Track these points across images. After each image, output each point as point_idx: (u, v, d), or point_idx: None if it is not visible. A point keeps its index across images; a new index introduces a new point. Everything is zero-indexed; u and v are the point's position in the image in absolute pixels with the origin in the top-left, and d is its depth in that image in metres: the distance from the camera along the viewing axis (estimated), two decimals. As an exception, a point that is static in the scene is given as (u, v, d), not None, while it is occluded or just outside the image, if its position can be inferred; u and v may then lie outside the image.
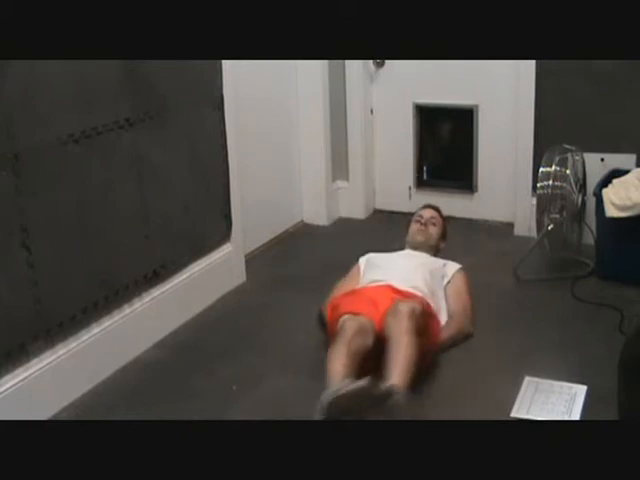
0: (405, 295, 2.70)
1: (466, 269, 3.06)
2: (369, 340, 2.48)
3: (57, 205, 2.44)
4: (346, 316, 2.56)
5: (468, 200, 4.11)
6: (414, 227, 3.18)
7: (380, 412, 2.17)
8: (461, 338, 2.80)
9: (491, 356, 2.73)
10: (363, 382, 2.20)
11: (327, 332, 2.74)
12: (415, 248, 3.12)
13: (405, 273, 2.86)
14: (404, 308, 2.49)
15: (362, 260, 3.09)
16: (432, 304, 2.78)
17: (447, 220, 3.30)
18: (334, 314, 2.67)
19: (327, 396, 2.19)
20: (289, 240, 3.98)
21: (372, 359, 2.45)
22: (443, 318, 2.86)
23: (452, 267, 3.03)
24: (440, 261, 3.06)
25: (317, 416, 2.19)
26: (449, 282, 2.98)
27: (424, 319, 2.54)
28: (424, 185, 4.22)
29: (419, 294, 2.76)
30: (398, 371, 2.31)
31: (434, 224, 3.18)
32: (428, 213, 3.21)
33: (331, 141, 4.09)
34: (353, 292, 2.82)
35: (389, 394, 2.20)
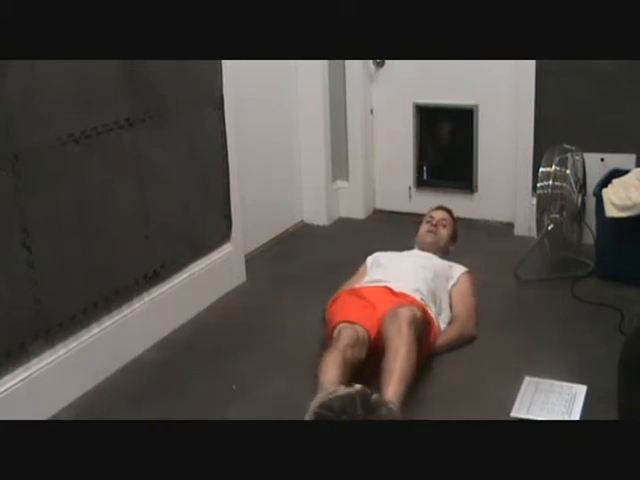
0: (402, 298, 2.69)
1: (472, 271, 3.04)
2: (363, 352, 2.46)
3: (57, 205, 2.44)
4: (343, 324, 2.54)
5: (468, 200, 4.11)
6: (424, 228, 3.17)
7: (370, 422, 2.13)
8: (464, 341, 2.79)
9: (491, 356, 2.73)
10: (355, 387, 2.15)
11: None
12: (423, 249, 3.11)
13: (407, 274, 2.86)
14: (405, 314, 2.47)
15: (370, 259, 3.09)
16: (431, 307, 2.78)
17: (457, 222, 3.28)
18: (332, 319, 2.67)
19: (317, 400, 2.14)
20: (289, 240, 3.98)
21: (365, 368, 2.44)
22: (446, 320, 2.86)
23: (458, 269, 3.02)
24: (446, 263, 3.05)
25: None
26: (454, 284, 2.97)
27: (424, 325, 2.53)
28: (424, 185, 4.22)
29: (417, 297, 2.75)
30: (394, 382, 2.28)
31: (444, 226, 3.17)
32: (439, 214, 3.20)
33: (331, 141, 4.09)
34: (351, 292, 2.82)
35: (380, 404, 2.14)
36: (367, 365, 2.46)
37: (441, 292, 2.90)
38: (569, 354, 2.71)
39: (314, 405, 2.14)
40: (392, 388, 2.27)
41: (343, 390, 2.15)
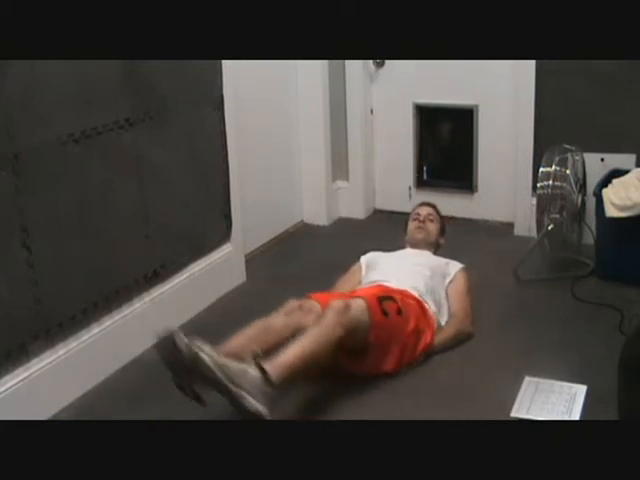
0: (398, 293, 2.70)
1: (468, 268, 3.05)
2: (306, 320, 2.46)
3: (57, 205, 2.44)
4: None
5: (468, 200, 4.11)
6: (412, 225, 3.18)
7: (189, 362, 2.12)
8: (462, 338, 2.80)
9: (491, 356, 2.73)
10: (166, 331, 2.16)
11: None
12: (415, 246, 3.12)
13: (404, 272, 2.86)
14: (334, 303, 2.41)
15: (363, 259, 3.10)
16: (430, 303, 2.78)
17: (444, 216, 3.30)
18: None
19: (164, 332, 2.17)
20: (289, 240, 3.98)
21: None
22: (444, 317, 2.86)
23: (454, 266, 3.03)
24: (442, 260, 3.06)
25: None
26: (451, 281, 2.97)
27: (369, 317, 2.44)
28: (424, 185, 4.22)
29: (414, 293, 2.76)
30: (281, 357, 2.24)
31: (432, 220, 3.19)
32: (425, 210, 3.22)
33: (331, 141, 4.09)
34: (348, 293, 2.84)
35: (193, 354, 2.11)
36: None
37: (439, 289, 2.91)
38: (569, 354, 2.70)
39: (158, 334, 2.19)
40: (274, 363, 2.21)
41: (172, 331, 2.17)
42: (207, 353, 2.13)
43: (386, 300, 2.58)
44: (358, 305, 2.45)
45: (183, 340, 2.14)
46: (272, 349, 2.32)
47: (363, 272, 3.03)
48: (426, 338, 2.67)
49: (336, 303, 2.41)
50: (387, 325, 2.52)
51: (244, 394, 2.10)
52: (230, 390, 2.10)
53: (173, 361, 2.16)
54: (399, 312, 2.58)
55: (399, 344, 2.58)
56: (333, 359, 2.44)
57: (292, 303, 2.58)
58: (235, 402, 2.12)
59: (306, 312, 2.52)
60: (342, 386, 2.51)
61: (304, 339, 2.31)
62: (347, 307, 2.40)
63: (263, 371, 2.16)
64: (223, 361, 2.14)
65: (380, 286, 2.79)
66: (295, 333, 2.39)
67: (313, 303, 2.57)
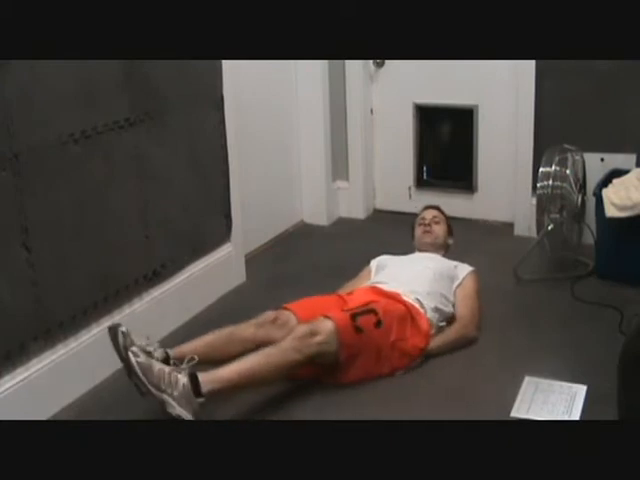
0: (389, 297, 2.69)
1: (477, 271, 3.03)
2: (277, 335, 2.49)
3: (57, 205, 2.44)
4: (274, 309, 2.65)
5: (468, 200, 4.11)
6: (419, 230, 3.18)
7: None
8: (464, 343, 2.78)
9: (491, 356, 2.73)
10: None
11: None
12: (424, 250, 3.12)
13: (408, 276, 2.85)
14: (301, 330, 2.41)
15: (373, 263, 3.09)
16: (426, 307, 2.75)
17: (449, 217, 3.29)
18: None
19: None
20: (289, 240, 3.98)
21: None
22: (447, 320, 2.84)
23: (463, 269, 3.01)
24: (452, 263, 3.04)
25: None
26: (460, 284, 2.95)
27: (317, 348, 2.40)
28: (424, 185, 4.22)
29: (408, 298, 2.73)
30: (221, 371, 2.28)
31: (437, 222, 3.18)
32: (430, 214, 3.21)
33: (331, 141, 4.09)
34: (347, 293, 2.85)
35: (125, 353, 2.25)
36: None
37: (445, 292, 2.89)
38: (569, 354, 2.71)
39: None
40: (218, 371, 2.28)
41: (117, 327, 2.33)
42: (136, 354, 2.25)
43: (363, 315, 2.54)
44: (325, 329, 2.42)
45: (122, 337, 2.29)
46: (231, 358, 2.36)
47: (372, 275, 3.03)
48: (415, 342, 2.64)
49: (300, 329, 2.42)
50: (360, 342, 2.51)
51: (166, 398, 2.19)
52: (152, 393, 2.21)
53: (116, 352, 2.31)
54: (378, 324, 2.55)
55: (378, 355, 2.56)
56: (313, 373, 2.49)
57: (268, 314, 2.62)
58: (160, 404, 2.21)
59: (279, 326, 2.57)
60: (341, 386, 2.51)
61: (253, 357, 2.35)
62: (311, 334, 2.40)
63: (194, 380, 2.22)
64: (151, 365, 2.24)
65: (373, 288, 2.79)
66: (261, 346, 2.43)
67: (289, 316, 2.60)
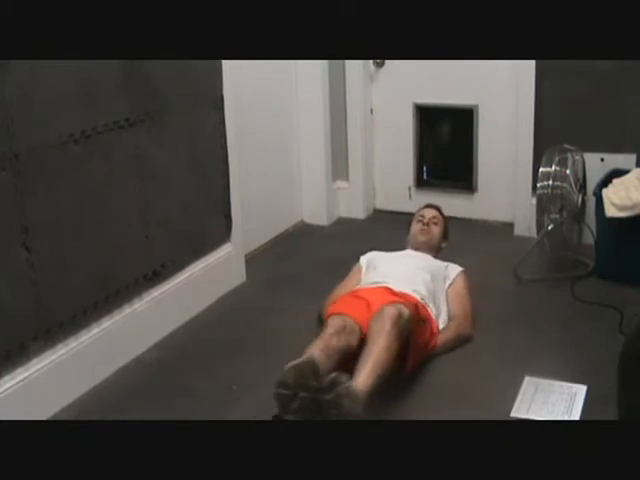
0: (401, 297, 2.69)
1: (467, 271, 3.05)
2: (352, 340, 2.45)
3: (57, 205, 2.44)
4: (332, 316, 2.56)
5: (468, 200, 4.11)
6: (416, 227, 3.17)
7: (329, 402, 2.13)
8: (461, 342, 2.79)
9: (491, 356, 2.73)
10: (303, 358, 2.19)
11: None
12: (417, 248, 3.11)
13: (405, 275, 2.85)
14: (390, 311, 2.44)
15: (363, 259, 3.09)
16: (431, 307, 2.78)
17: (448, 219, 3.29)
18: (328, 315, 2.67)
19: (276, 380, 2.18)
20: (289, 240, 3.99)
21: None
22: (444, 321, 2.85)
23: (454, 269, 3.02)
24: (442, 263, 3.05)
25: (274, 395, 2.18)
26: (451, 284, 2.96)
27: (412, 324, 2.48)
28: (424, 185, 4.22)
29: (416, 297, 2.75)
30: (364, 374, 2.27)
31: (436, 223, 3.17)
32: (430, 213, 3.20)
33: (331, 141, 4.09)
34: (351, 293, 2.82)
35: (338, 380, 2.16)
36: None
37: (439, 292, 2.90)
38: (569, 354, 2.71)
39: (274, 387, 2.16)
40: (361, 378, 2.25)
41: (293, 362, 2.19)
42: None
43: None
44: (405, 312, 2.46)
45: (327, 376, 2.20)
46: (337, 369, 2.30)
47: (363, 272, 3.02)
48: (424, 340, 2.66)
49: (389, 311, 2.43)
50: (422, 331, 2.59)
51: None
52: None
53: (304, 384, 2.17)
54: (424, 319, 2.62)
55: (424, 348, 2.63)
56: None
57: (336, 323, 2.51)
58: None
59: (349, 332, 2.49)
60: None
61: (376, 356, 2.31)
62: (400, 315, 2.42)
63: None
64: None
65: (388, 289, 2.77)
66: (347, 352, 2.41)
67: (347, 320, 2.53)
